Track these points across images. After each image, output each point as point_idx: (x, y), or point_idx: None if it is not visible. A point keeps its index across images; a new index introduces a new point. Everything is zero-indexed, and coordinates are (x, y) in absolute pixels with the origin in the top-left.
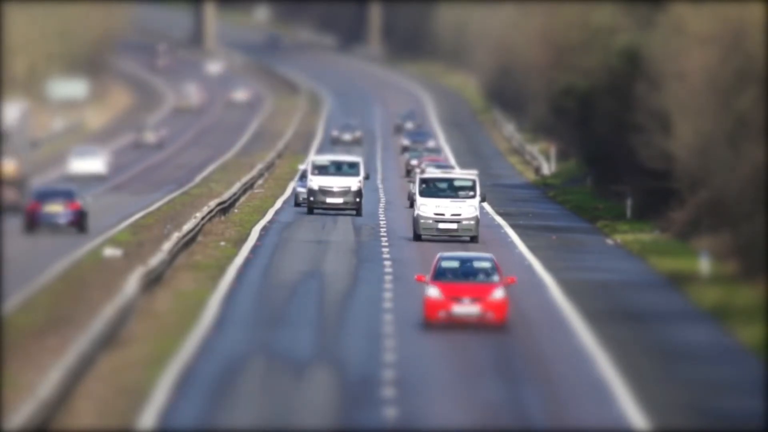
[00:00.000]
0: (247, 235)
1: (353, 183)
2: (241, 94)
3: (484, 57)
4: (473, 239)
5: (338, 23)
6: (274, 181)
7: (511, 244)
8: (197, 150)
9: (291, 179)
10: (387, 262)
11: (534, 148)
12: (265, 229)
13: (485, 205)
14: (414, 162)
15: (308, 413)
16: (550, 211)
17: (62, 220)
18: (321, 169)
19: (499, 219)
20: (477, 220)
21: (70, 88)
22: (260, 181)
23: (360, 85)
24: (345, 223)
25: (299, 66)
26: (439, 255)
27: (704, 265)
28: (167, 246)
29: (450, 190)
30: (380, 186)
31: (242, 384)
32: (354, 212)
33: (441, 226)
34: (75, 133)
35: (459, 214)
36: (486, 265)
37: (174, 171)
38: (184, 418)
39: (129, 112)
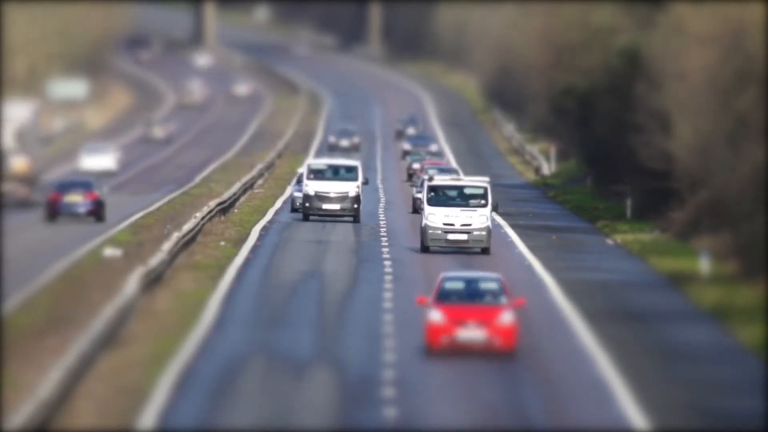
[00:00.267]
0: (247, 235)
1: (351, 188)
2: (242, 88)
3: (484, 57)
4: (485, 251)
5: (338, 23)
6: (274, 181)
7: (511, 244)
8: (197, 150)
9: (291, 179)
10: (387, 262)
11: (534, 148)
12: (265, 229)
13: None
14: (416, 166)
15: (308, 413)
16: (550, 211)
17: (81, 210)
18: (317, 174)
19: (499, 219)
20: (489, 230)
21: (70, 88)
22: (260, 181)
23: (360, 85)
24: (345, 223)
25: (299, 66)
26: (441, 275)
27: (704, 265)
28: (167, 246)
29: (460, 198)
30: (380, 186)
31: (242, 384)
32: (352, 219)
33: (450, 237)
34: (75, 133)
35: (469, 225)
36: (492, 285)
37: (174, 171)
38: (184, 418)
39: (129, 112)
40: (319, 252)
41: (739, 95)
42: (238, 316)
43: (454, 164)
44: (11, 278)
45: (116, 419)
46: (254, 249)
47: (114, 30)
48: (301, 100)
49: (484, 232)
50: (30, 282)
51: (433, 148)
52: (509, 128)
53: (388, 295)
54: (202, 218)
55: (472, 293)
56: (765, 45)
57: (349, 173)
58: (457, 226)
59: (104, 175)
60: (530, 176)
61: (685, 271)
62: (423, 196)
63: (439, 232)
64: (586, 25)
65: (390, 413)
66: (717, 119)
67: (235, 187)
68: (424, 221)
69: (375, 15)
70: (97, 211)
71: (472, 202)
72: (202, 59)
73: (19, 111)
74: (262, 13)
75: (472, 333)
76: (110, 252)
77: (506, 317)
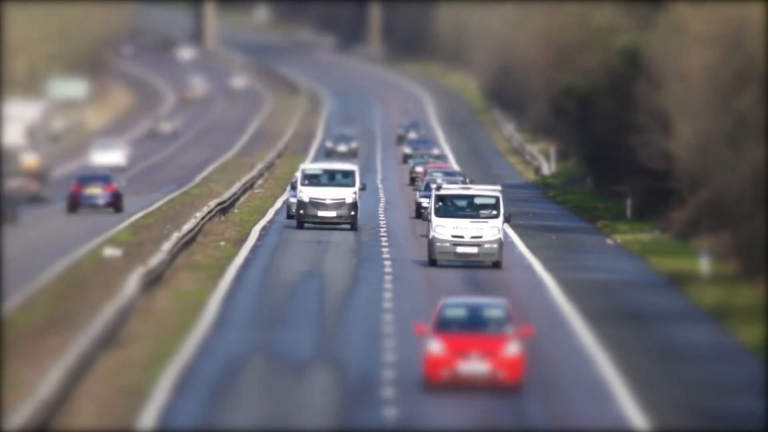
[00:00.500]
0: (247, 235)
1: (348, 194)
2: (239, 81)
3: (484, 57)
4: (496, 265)
5: (338, 23)
6: (274, 181)
7: (511, 244)
8: (197, 150)
9: (291, 179)
10: (387, 262)
11: (534, 148)
12: (265, 229)
13: None
14: (419, 169)
15: (308, 413)
16: (550, 211)
17: (101, 201)
18: (312, 179)
19: None
20: (501, 243)
21: (70, 88)
22: (260, 181)
23: (360, 85)
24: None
25: (299, 66)
26: (442, 302)
27: (704, 265)
28: (167, 246)
29: (470, 208)
30: (380, 186)
31: (242, 384)
32: (348, 227)
33: (459, 250)
34: (75, 133)
35: (480, 237)
36: (497, 313)
37: (174, 171)
38: (184, 418)
39: (129, 112)
40: (319, 252)
41: (739, 95)
42: (238, 316)
43: (455, 166)
44: (11, 278)
45: (116, 419)
46: (254, 249)
47: (114, 30)
48: (301, 100)
49: (495, 245)
50: (30, 282)
51: (436, 152)
52: (509, 128)
53: (388, 295)
54: (202, 218)
55: (474, 321)
56: (765, 45)
57: (346, 178)
58: (467, 239)
59: (114, 170)
60: (530, 176)
61: (685, 271)
62: (431, 206)
63: (448, 245)
64: (586, 25)
65: (390, 413)
66: (717, 119)
67: (235, 187)
68: (432, 233)
69: (375, 15)
70: (115, 203)
71: (483, 212)
72: (185, 53)
73: (29, 110)
74: (262, 13)
75: (474, 366)
76: (110, 252)
77: (512, 348)
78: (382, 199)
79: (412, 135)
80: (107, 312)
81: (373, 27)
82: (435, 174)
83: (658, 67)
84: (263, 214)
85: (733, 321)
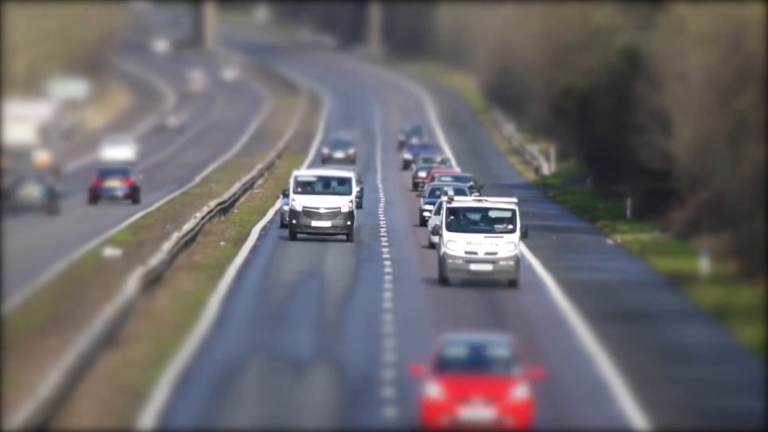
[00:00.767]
0: (247, 235)
1: (344, 203)
2: (229, 73)
3: (484, 57)
4: (512, 283)
5: (338, 23)
6: (274, 181)
7: None
8: (197, 150)
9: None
10: (387, 262)
11: (534, 148)
12: (265, 229)
13: None
14: (422, 174)
15: (308, 413)
16: (550, 211)
17: (119, 193)
18: (305, 186)
19: None
20: (517, 260)
21: (70, 88)
22: (260, 181)
23: (360, 85)
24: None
25: (299, 66)
26: (441, 340)
27: (704, 265)
28: (167, 246)
29: (484, 222)
30: (380, 186)
31: (242, 384)
32: (344, 238)
33: (473, 267)
34: (75, 133)
35: (495, 253)
36: (502, 351)
37: (174, 171)
38: (183, 418)
39: (129, 112)
40: (319, 252)
41: (739, 95)
42: (238, 316)
43: (457, 169)
44: (11, 278)
45: (116, 419)
46: (254, 249)
47: (114, 30)
48: (301, 100)
49: (511, 262)
50: (30, 282)
51: (439, 158)
52: (509, 128)
53: (388, 295)
54: (202, 218)
55: (477, 361)
56: (765, 45)
57: (342, 186)
58: (481, 255)
59: (126, 164)
60: (530, 176)
61: (685, 271)
62: (442, 220)
63: (460, 261)
64: (586, 25)
65: (390, 413)
66: (717, 119)
67: (235, 187)
68: (443, 249)
69: (375, 15)
70: (133, 195)
71: (498, 227)
72: (160, 45)
73: (42, 109)
74: (262, 13)
75: (477, 412)
76: (110, 252)
77: (519, 392)
78: (382, 199)
79: (414, 141)
80: (107, 312)
81: (373, 27)
82: (443, 179)
83: (658, 67)
84: (263, 214)
85: (733, 321)
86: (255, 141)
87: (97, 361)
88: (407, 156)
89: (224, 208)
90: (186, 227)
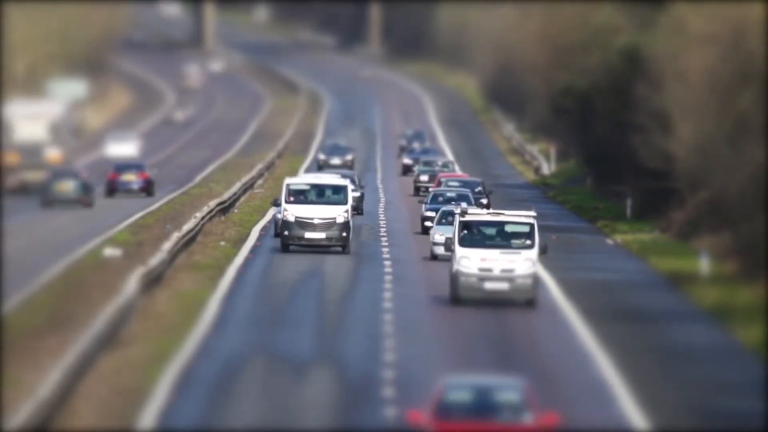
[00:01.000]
0: (247, 235)
1: (339, 213)
2: (216, 65)
3: (484, 57)
4: (530, 303)
5: (338, 23)
6: (274, 181)
7: None
8: (197, 150)
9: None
10: (387, 262)
11: (534, 148)
12: (265, 229)
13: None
14: (424, 178)
15: (308, 413)
16: (550, 211)
17: (135, 187)
18: (298, 195)
19: None
20: (535, 278)
21: (70, 88)
22: (260, 181)
23: (360, 85)
24: None
25: (299, 66)
26: (443, 383)
27: (704, 265)
28: (167, 246)
29: (500, 237)
30: (380, 186)
31: (242, 384)
32: (340, 249)
33: (488, 286)
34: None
35: (512, 270)
36: (512, 396)
37: (174, 171)
38: (184, 418)
39: (129, 112)
40: (319, 252)
41: (739, 95)
42: (238, 316)
43: (459, 171)
44: (11, 278)
45: (116, 419)
46: (254, 249)
47: (114, 30)
48: (301, 100)
49: (529, 280)
50: (30, 282)
51: (441, 161)
52: (509, 128)
53: (388, 295)
54: (202, 218)
55: (484, 407)
56: (765, 45)
57: (337, 195)
58: (496, 273)
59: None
60: (530, 176)
61: (685, 271)
62: (454, 235)
63: (474, 279)
64: (586, 25)
65: (390, 413)
66: (717, 119)
67: (235, 187)
68: (455, 266)
69: (375, 15)
70: (147, 188)
71: (515, 242)
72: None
73: (53, 107)
74: (262, 13)
75: None
76: (110, 252)
77: None
78: (382, 199)
79: (416, 145)
80: (107, 312)
81: (373, 27)
82: (450, 183)
83: (658, 67)
84: (263, 214)
85: (733, 321)
86: (255, 141)
87: (97, 361)
88: (407, 161)
89: (224, 208)
90: (186, 227)
